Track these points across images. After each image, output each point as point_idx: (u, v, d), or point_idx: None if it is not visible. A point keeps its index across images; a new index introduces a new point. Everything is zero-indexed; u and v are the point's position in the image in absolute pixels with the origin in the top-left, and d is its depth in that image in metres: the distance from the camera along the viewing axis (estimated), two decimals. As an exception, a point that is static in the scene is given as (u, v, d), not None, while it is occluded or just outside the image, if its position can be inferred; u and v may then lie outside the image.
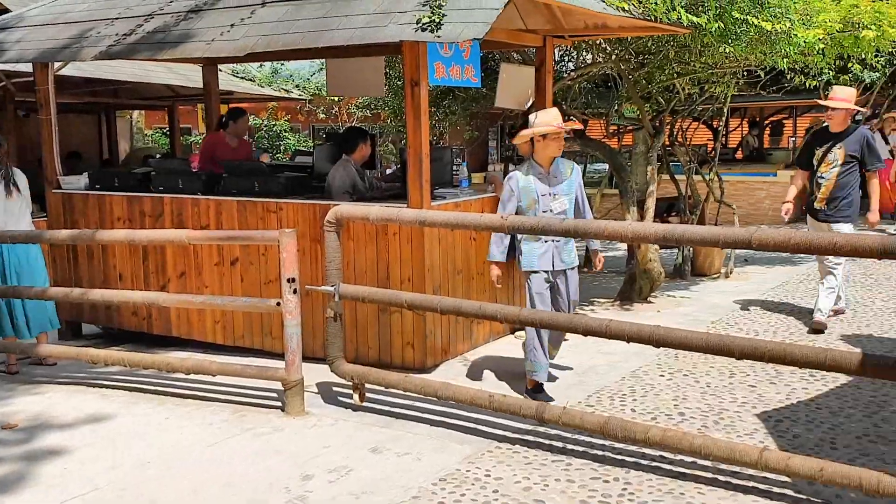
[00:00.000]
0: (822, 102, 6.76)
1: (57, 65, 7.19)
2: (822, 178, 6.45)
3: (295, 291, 4.66)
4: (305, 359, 4.90)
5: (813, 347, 3.41)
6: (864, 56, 8.02)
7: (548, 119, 4.93)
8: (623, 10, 5.51)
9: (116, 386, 5.53)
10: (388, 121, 15.57)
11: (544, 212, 4.91)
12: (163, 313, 6.52)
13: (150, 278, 6.56)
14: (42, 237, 6.00)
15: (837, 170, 6.37)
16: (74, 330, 7.20)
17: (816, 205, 6.50)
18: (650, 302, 7.67)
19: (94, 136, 12.98)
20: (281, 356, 4.90)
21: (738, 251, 9.80)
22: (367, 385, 4.93)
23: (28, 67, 7.45)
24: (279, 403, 4.92)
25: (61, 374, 5.94)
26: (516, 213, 4.90)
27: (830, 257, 6.25)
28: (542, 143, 4.89)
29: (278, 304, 4.73)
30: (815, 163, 6.52)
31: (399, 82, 10.07)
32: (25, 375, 5.98)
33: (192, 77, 10.80)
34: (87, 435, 4.58)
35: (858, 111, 7.03)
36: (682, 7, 5.67)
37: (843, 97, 6.37)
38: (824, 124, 6.61)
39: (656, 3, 5.57)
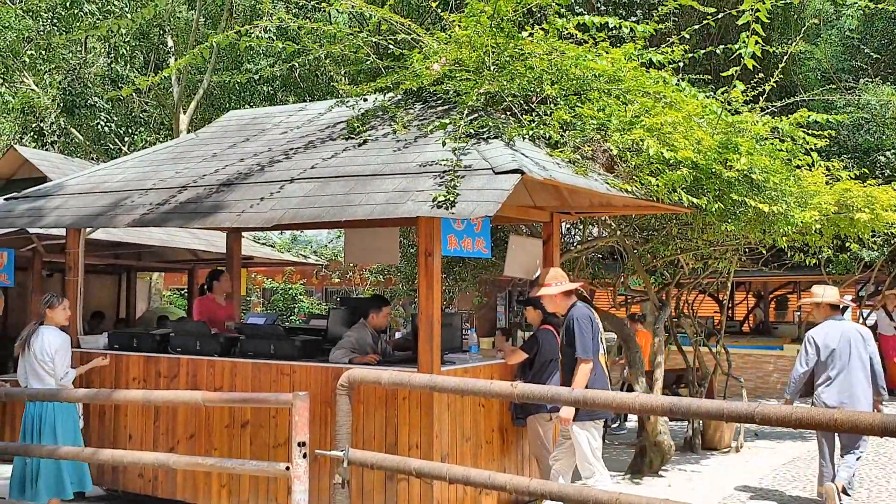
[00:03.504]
0: (539, 293, 5.92)
1: (88, 229, 7.56)
2: None
3: (305, 456, 4.68)
4: (311, 526, 4.84)
5: (822, 525, 3.40)
6: (860, 236, 8.32)
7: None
8: (626, 191, 5.84)
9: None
10: (400, 285, 15.95)
11: None
12: (169, 475, 6.48)
13: (159, 439, 6.57)
14: (58, 396, 6.07)
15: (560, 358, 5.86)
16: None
17: None
18: (661, 476, 7.57)
19: (113, 297, 13.30)
20: (287, 523, 4.84)
21: (747, 425, 9.71)
22: (373, 556, 4.84)
23: (58, 230, 7.81)
24: (282, 573, 4.81)
25: (62, 537, 5.84)
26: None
27: (556, 466, 5.72)
28: None
29: (287, 468, 4.73)
30: None
31: (412, 250, 10.47)
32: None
33: (214, 242, 11.25)
34: None
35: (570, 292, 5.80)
36: (682, 189, 5.98)
37: (549, 280, 5.82)
38: None
39: (658, 186, 5.88)
